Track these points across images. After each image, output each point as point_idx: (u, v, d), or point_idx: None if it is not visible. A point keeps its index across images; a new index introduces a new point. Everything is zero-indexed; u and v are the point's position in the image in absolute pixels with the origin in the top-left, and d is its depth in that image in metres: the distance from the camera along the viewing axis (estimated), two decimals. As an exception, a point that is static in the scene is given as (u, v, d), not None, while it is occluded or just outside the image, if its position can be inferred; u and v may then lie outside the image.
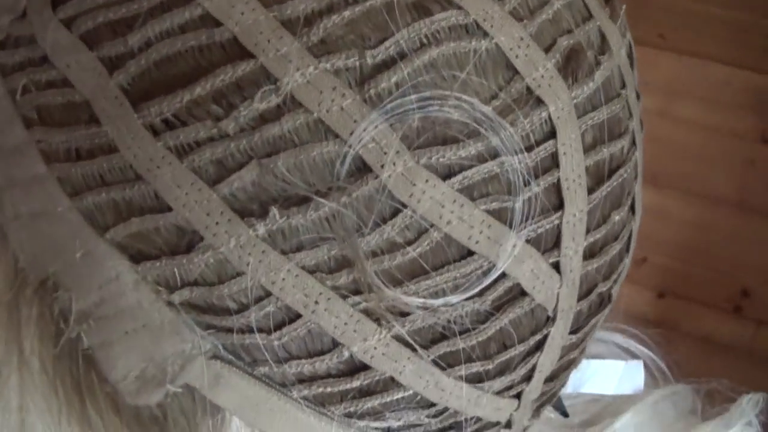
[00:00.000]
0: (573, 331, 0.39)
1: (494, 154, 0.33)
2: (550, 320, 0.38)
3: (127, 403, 0.36)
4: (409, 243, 0.33)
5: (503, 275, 0.35)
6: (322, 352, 0.34)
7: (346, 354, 0.34)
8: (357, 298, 0.33)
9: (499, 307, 0.36)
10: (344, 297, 0.33)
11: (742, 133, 1.56)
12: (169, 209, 0.32)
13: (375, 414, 0.36)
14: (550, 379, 0.40)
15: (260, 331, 0.33)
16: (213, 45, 0.31)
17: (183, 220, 0.32)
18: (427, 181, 0.32)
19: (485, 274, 0.34)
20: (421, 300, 0.33)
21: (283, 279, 0.32)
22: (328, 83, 0.31)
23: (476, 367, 0.36)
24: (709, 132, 1.57)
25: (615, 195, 0.39)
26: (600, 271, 0.39)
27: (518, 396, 0.39)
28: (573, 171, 0.36)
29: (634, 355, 0.61)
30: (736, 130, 1.56)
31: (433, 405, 0.37)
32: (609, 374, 0.58)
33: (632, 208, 0.41)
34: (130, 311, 0.34)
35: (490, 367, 0.37)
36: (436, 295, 0.34)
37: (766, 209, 1.56)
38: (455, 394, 0.37)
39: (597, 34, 0.38)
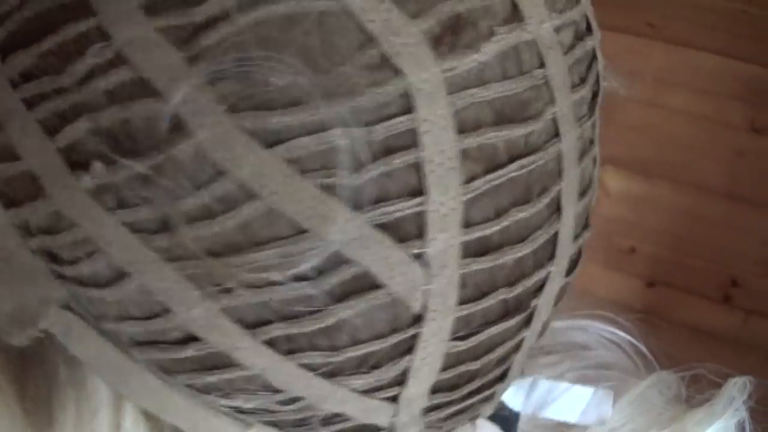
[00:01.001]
0: (461, 337, 0.36)
1: (327, 126, 0.31)
2: (417, 319, 0.34)
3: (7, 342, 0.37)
4: (227, 211, 0.31)
5: (346, 260, 0.32)
6: (154, 315, 0.33)
7: (176, 320, 0.33)
8: (181, 264, 0.32)
9: (343, 295, 0.33)
10: (169, 261, 0.32)
11: (732, 122, 1.56)
12: (19, 158, 0.33)
13: (219, 390, 0.35)
14: (444, 389, 0.37)
15: (96, 285, 0.33)
16: (63, 4, 0.32)
17: (30, 169, 0.33)
18: (247, 146, 0.30)
19: (317, 254, 0.32)
20: (245, 275, 0.32)
21: (109, 235, 0.32)
22: (155, 41, 0.30)
23: (322, 358, 0.34)
24: (699, 121, 1.57)
25: (517, 188, 0.35)
26: (497, 274, 0.35)
27: (394, 399, 0.36)
28: (440, 152, 0.32)
29: (616, 343, 0.60)
30: (726, 119, 1.56)
31: (279, 391, 0.35)
32: (574, 400, 0.55)
33: (556, 209, 0.37)
34: (2, 253, 0.36)
35: (341, 359, 0.34)
36: (260, 270, 0.32)
37: (756, 199, 1.56)
38: (302, 383, 0.34)
39: (505, 3, 0.33)
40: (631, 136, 1.59)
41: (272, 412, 0.36)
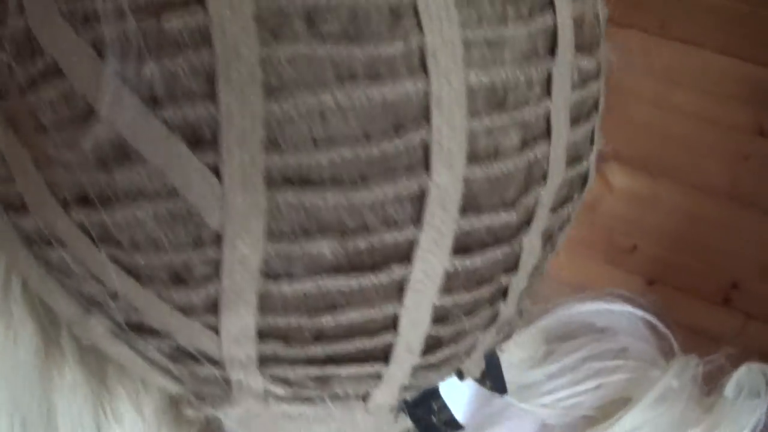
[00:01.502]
0: (271, 276, 0.33)
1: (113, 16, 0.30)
2: (217, 240, 0.32)
3: None
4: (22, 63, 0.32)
5: (137, 155, 0.31)
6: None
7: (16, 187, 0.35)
8: None
9: (134, 193, 0.31)
10: None
11: (739, 125, 1.55)
12: None
13: (62, 272, 0.36)
14: (278, 338, 0.35)
15: None
16: None
17: None
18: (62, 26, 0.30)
19: (96, 133, 0.31)
20: (48, 148, 0.32)
21: None
22: None
23: (125, 255, 0.33)
24: (706, 122, 1.57)
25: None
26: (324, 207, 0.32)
27: (216, 332, 0.34)
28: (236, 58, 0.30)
29: (635, 324, 0.59)
30: (733, 121, 1.55)
31: (100, 281, 0.35)
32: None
33: (424, 118, 0.31)
34: None
35: (144, 263, 0.33)
36: (54, 147, 0.32)
37: (760, 203, 1.56)
38: (116, 279, 0.34)
39: None
40: (637, 134, 1.59)
41: (106, 305, 0.35)
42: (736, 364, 0.56)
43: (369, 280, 0.33)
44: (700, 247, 1.61)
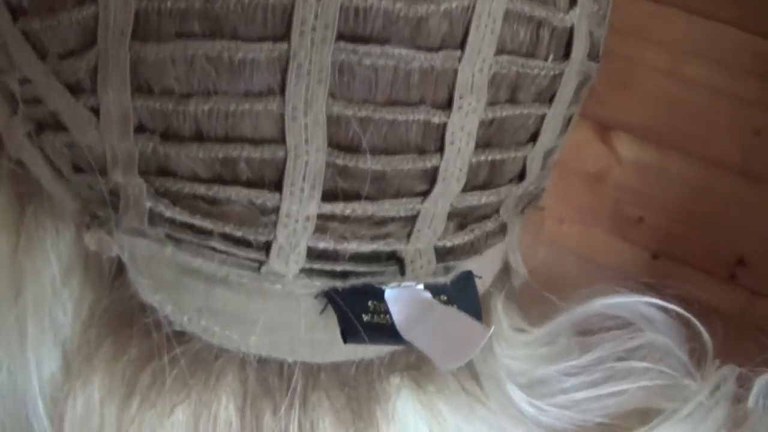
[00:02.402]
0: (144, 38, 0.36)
1: None
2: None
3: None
4: None
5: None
6: None
7: None
8: None
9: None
10: None
11: (751, 99, 1.53)
12: None
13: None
14: (154, 132, 0.36)
15: None
16: None
17: None
18: None
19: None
20: None
21: None
22: None
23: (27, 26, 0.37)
24: (717, 95, 1.55)
25: None
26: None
27: (97, 115, 0.37)
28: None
29: (662, 320, 0.54)
30: (745, 96, 1.53)
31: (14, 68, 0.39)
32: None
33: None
34: None
35: (38, 27, 0.36)
36: None
37: (769, 178, 1.54)
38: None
39: None
40: (647, 105, 1.57)
41: (17, 93, 0.39)
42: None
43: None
44: (707, 222, 1.60)
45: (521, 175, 0.41)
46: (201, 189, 0.36)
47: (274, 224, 0.36)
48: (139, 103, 0.35)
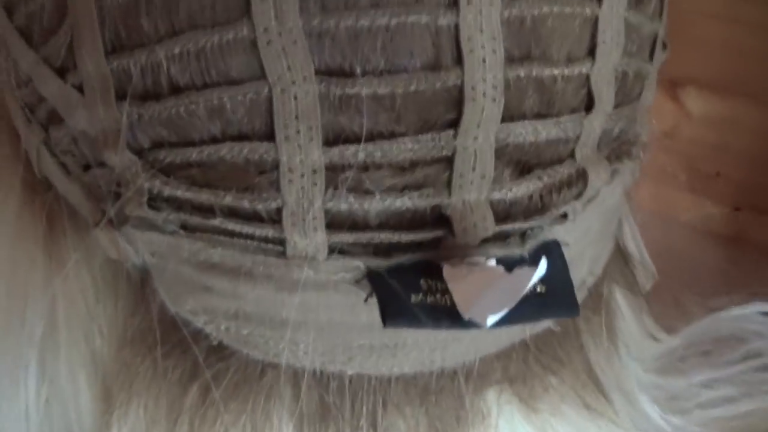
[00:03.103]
0: None
1: None
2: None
3: None
4: None
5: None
6: None
7: None
8: None
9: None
10: None
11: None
12: None
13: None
14: (135, 98, 0.35)
15: None
16: None
17: None
18: None
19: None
20: None
21: None
22: None
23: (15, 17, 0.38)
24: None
25: None
26: None
27: (81, 93, 0.37)
28: None
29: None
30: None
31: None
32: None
33: None
34: None
35: (24, 11, 0.38)
36: None
37: None
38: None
39: None
40: (709, 54, 1.53)
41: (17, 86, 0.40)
42: None
43: None
44: (786, 167, 1.56)
45: (589, 103, 0.35)
46: (193, 154, 0.33)
47: (278, 185, 0.32)
48: (114, 64, 0.33)
